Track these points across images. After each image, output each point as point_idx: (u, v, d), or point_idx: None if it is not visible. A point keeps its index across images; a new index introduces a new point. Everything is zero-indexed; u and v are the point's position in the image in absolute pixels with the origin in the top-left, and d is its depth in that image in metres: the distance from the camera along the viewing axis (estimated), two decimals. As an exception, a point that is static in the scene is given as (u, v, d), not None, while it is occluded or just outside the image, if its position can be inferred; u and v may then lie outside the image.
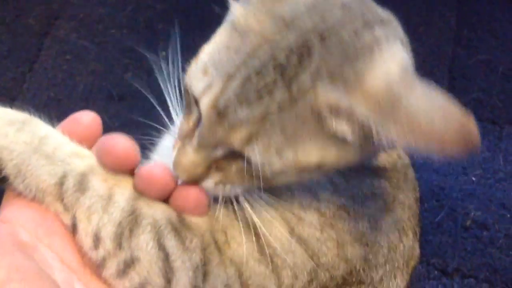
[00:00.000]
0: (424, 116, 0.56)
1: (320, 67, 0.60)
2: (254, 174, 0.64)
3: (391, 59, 0.62)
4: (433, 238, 1.16)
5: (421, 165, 1.25)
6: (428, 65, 1.43)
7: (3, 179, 0.66)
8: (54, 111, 1.24)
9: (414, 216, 0.80)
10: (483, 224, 1.17)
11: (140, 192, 0.67)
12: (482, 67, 1.43)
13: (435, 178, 1.23)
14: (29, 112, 0.70)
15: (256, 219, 0.69)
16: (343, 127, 0.60)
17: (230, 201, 0.70)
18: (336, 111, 0.59)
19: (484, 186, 1.22)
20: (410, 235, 0.79)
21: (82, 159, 0.67)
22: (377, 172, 0.77)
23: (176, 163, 0.67)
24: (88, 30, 1.44)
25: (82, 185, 0.65)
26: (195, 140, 0.66)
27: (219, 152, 0.65)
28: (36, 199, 0.66)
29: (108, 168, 0.67)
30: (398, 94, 0.58)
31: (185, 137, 0.67)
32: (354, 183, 0.74)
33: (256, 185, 0.66)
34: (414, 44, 1.41)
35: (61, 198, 0.65)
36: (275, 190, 0.71)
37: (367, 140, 0.60)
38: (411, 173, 0.82)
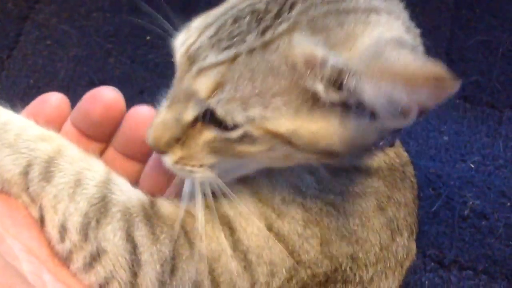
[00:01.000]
0: (404, 63, 0.51)
1: (300, 18, 0.58)
2: (222, 146, 0.61)
3: (388, 30, 0.58)
4: (430, 229, 1.13)
5: (416, 153, 1.23)
6: (424, 46, 1.38)
7: None
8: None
9: (411, 214, 0.78)
10: (481, 213, 1.14)
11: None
12: (481, 48, 1.39)
13: (431, 166, 1.21)
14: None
15: (230, 212, 0.67)
16: (317, 83, 0.56)
17: (204, 193, 0.67)
18: (312, 63, 0.56)
19: (483, 173, 1.19)
20: (405, 234, 0.76)
21: (50, 142, 0.66)
22: (370, 171, 0.74)
23: (150, 125, 0.65)
24: (69, 14, 1.39)
25: (48, 173, 0.64)
26: (169, 97, 0.64)
27: (190, 113, 0.61)
28: (3, 190, 0.65)
29: (94, 119, 0.68)
30: (383, 48, 0.54)
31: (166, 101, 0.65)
32: (343, 181, 0.72)
33: (226, 158, 0.63)
34: None
35: (26, 188, 0.64)
36: (255, 182, 0.69)
37: (347, 112, 0.56)
38: (409, 171, 0.80)
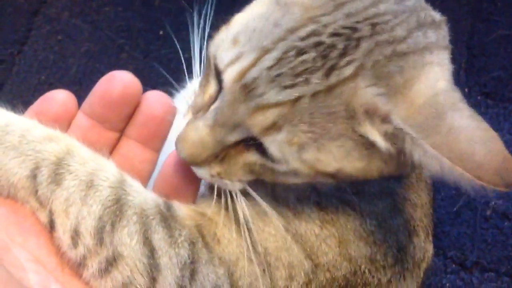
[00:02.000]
0: (466, 137, 0.51)
1: (366, 60, 0.55)
2: (263, 170, 0.61)
3: (441, 70, 0.58)
4: (451, 229, 1.13)
5: None
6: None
7: None
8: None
9: (427, 216, 0.76)
10: (504, 214, 1.13)
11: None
12: (503, 42, 1.37)
13: None
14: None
15: (247, 213, 0.65)
16: (375, 132, 0.55)
17: (219, 193, 0.66)
18: (372, 113, 0.55)
19: (506, 171, 1.17)
20: (422, 236, 0.75)
21: (57, 142, 0.63)
22: None
23: (182, 137, 0.62)
24: (81, 8, 1.37)
25: (58, 175, 0.61)
26: (210, 116, 0.60)
27: (234, 137, 0.59)
28: (9, 195, 0.62)
29: (113, 98, 0.65)
30: (443, 108, 0.54)
31: (198, 111, 0.62)
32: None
33: (261, 181, 0.63)
34: None
35: (35, 192, 0.62)
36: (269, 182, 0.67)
37: (396, 154, 0.56)
38: (425, 174, 0.78)
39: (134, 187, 0.64)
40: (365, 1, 0.57)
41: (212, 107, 0.61)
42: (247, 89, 0.56)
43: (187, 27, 0.69)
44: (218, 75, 0.60)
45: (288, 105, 0.55)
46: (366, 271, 0.69)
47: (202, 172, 0.63)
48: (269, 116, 0.56)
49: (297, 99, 0.55)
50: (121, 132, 0.70)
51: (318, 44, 0.56)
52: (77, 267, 0.62)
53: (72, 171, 0.61)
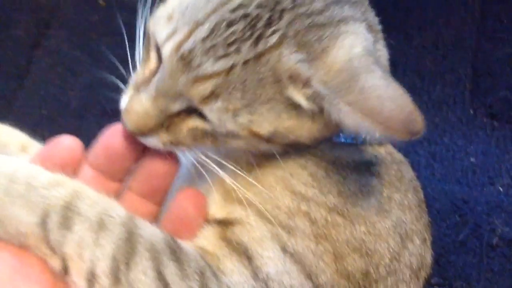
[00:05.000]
0: (377, 96, 0.58)
1: (288, 30, 0.63)
2: (205, 135, 0.66)
3: (356, 39, 0.64)
4: (456, 259, 1.11)
5: (442, 176, 1.22)
6: (449, 60, 1.38)
7: None
8: (47, 129, 1.21)
9: (419, 219, 0.76)
10: (511, 241, 1.11)
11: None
12: (509, 61, 1.36)
13: (458, 190, 1.19)
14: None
15: (244, 239, 0.68)
16: (299, 95, 0.62)
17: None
18: (295, 78, 0.62)
19: (513, 197, 1.17)
20: (417, 241, 0.75)
21: (64, 186, 0.65)
22: (362, 167, 0.75)
23: (127, 111, 0.66)
24: (81, 40, 1.38)
25: (67, 219, 0.63)
26: (152, 88, 0.65)
27: (176, 107, 0.65)
28: (19, 243, 0.62)
29: (116, 150, 0.69)
30: (356, 70, 0.61)
31: (140, 85, 0.67)
32: (338, 178, 0.72)
33: (207, 146, 0.67)
34: (433, 36, 1.30)
35: (46, 239, 0.63)
36: (258, 198, 0.69)
37: (321, 114, 0.63)
38: (407, 172, 0.79)
39: (142, 221, 0.66)
40: None
41: (154, 79, 0.65)
42: (184, 61, 0.62)
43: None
44: (158, 50, 0.65)
45: (223, 74, 0.61)
46: (363, 287, 0.69)
47: (152, 141, 0.67)
48: (207, 86, 0.62)
49: (231, 68, 0.61)
50: (123, 182, 0.72)
51: (246, 15, 0.62)
52: None
53: (81, 213, 0.63)
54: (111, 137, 0.69)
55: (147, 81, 0.66)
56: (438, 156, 1.23)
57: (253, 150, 0.69)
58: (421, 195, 0.79)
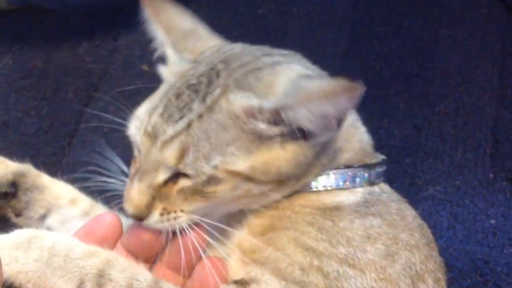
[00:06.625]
0: (317, 84, 0.69)
1: (227, 81, 0.72)
2: (193, 191, 0.71)
3: (292, 70, 0.74)
4: None
5: (463, 237, 1.22)
6: (469, 127, 1.40)
7: None
8: (93, 184, 1.26)
9: (429, 258, 0.76)
10: None
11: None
12: None
13: (478, 251, 1.19)
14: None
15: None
16: (258, 123, 0.69)
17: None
18: (250, 110, 0.69)
19: (533, 258, 1.16)
20: (430, 281, 0.74)
21: (97, 256, 0.70)
22: (361, 208, 0.76)
23: (125, 200, 0.74)
24: (126, 102, 1.43)
25: (100, 285, 0.67)
26: (139, 173, 0.72)
27: (160, 177, 0.71)
28: None
29: (145, 239, 0.75)
30: (298, 81, 0.71)
31: (133, 177, 0.74)
32: (344, 225, 0.73)
33: (199, 204, 0.72)
34: (453, 104, 1.35)
35: None
36: (271, 257, 0.71)
37: (287, 137, 0.70)
38: (408, 209, 0.80)
39: (166, 284, 0.71)
40: (219, 54, 0.77)
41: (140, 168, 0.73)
42: (151, 136, 0.71)
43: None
44: (137, 146, 0.74)
45: (184, 132, 0.69)
46: None
47: (152, 221, 0.73)
48: (174, 146, 0.69)
49: (189, 125, 0.70)
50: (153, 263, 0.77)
51: (190, 85, 0.73)
52: None
53: (112, 279, 0.68)
54: (140, 225, 0.75)
55: (137, 171, 0.73)
56: (460, 217, 1.25)
57: (246, 197, 0.73)
58: (429, 234, 0.80)
